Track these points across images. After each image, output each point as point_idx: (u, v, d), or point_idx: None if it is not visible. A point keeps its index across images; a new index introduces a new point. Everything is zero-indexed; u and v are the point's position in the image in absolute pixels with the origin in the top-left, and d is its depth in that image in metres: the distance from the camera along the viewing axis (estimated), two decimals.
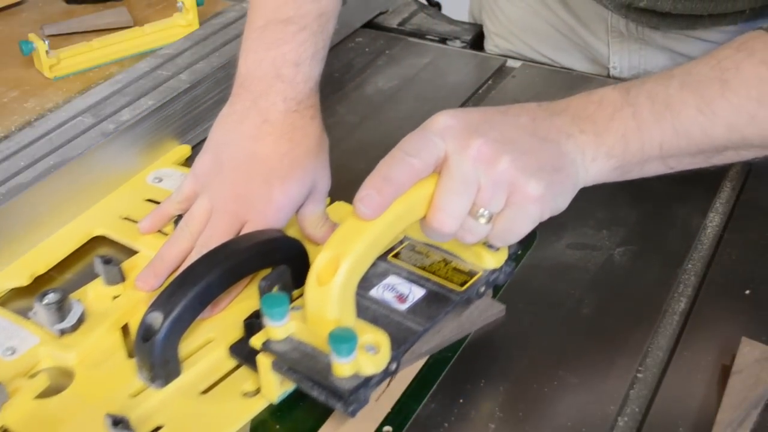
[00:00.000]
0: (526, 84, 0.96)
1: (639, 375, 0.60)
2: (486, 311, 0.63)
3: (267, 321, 0.55)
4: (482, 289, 0.61)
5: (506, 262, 0.62)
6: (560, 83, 0.95)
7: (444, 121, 0.56)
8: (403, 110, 0.91)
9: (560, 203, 0.58)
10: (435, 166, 0.55)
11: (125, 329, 0.64)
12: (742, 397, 0.55)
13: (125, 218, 0.75)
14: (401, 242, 0.64)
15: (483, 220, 0.55)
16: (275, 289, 0.61)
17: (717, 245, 0.71)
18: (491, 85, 0.96)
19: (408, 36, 1.06)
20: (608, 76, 0.97)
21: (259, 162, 0.69)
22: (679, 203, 0.74)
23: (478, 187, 0.54)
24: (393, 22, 1.09)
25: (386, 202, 0.53)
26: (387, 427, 0.56)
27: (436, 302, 0.59)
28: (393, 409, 0.57)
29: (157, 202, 0.75)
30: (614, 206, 0.74)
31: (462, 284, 0.60)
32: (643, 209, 0.75)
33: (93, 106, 0.82)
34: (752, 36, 0.61)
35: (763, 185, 0.77)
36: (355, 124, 0.89)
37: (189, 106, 0.85)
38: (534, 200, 0.55)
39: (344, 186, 0.79)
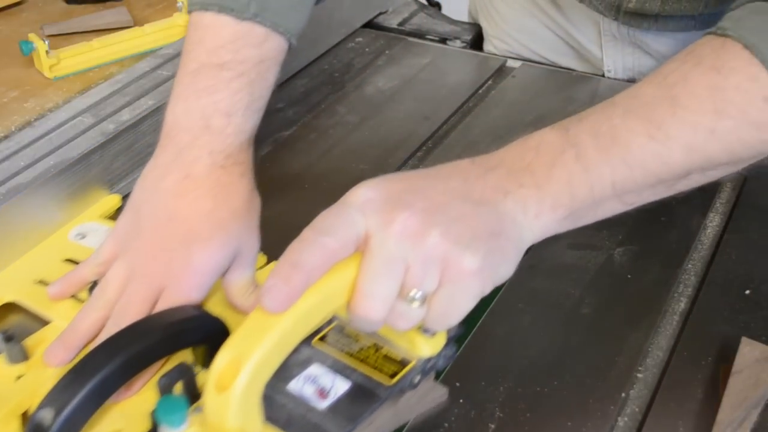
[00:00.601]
0: (526, 84, 0.96)
1: (639, 375, 0.60)
2: (426, 396, 0.57)
3: (163, 428, 0.48)
4: (417, 379, 0.54)
5: (446, 345, 0.55)
6: (560, 83, 0.95)
7: (364, 193, 0.50)
8: (403, 110, 0.91)
9: (503, 272, 0.51)
10: (356, 246, 0.48)
11: (27, 415, 0.56)
12: (742, 397, 0.55)
13: (40, 282, 0.67)
14: (330, 321, 0.57)
15: (416, 304, 0.48)
16: (177, 387, 0.54)
17: (717, 245, 0.71)
18: (491, 85, 0.96)
19: (408, 36, 1.06)
20: (604, 76, 0.97)
21: (178, 222, 0.62)
22: (679, 203, 0.74)
23: (406, 266, 0.48)
24: (393, 22, 1.09)
25: (296, 293, 0.46)
26: None
27: (361, 399, 0.53)
28: None
29: (77, 263, 0.68)
30: None
31: (393, 375, 0.54)
32: (643, 209, 0.74)
33: (93, 106, 0.82)
34: (699, 43, 0.55)
35: (763, 185, 0.77)
36: (355, 124, 0.89)
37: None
38: (472, 275, 0.48)
39: (344, 188, 0.79)
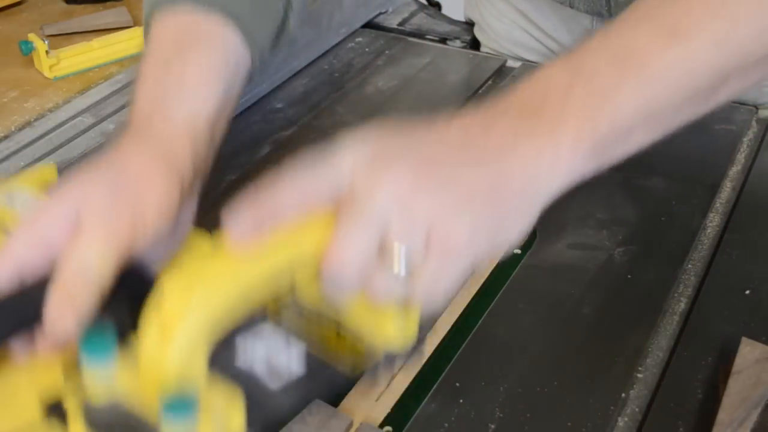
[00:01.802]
0: None
1: (639, 375, 0.59)
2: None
3: (87, 362, 0.41)
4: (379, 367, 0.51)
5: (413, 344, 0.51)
6: None
7: (355, 145, 0.46)
8: (403, 110, 0.91)
9: (504, 236, 0.46)
10: (334, 196, 0.44)
11: None
12: (742, 397, 0.55)
13: None
14: (289, 305, 0.52)
15: (400, 272, 0.44)
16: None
17: (717, 245, 0.70)
18: (491, 85, 0.96)
19: (408, 36, 1.06)
20: None
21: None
22: (679, 203, 0.74)
23: (389, 227, 0.43)
24: (393, 22, 1.09)
25: (263, 224, 0.43)
26: (387, 427, 0.56)
27: (314, 383, 0.50)
28: (393, 409, 0.57)
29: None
30: (614, 206, 0.74)
31: (352, 364, 0.51)
32: (643, 209, 0.75)
33: (93, 106, 0.82)
34: None
35: (763, 185, 0.77)
36: (355, 124, 0.89)
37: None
38: (460, 245, 0.44)
39: None
